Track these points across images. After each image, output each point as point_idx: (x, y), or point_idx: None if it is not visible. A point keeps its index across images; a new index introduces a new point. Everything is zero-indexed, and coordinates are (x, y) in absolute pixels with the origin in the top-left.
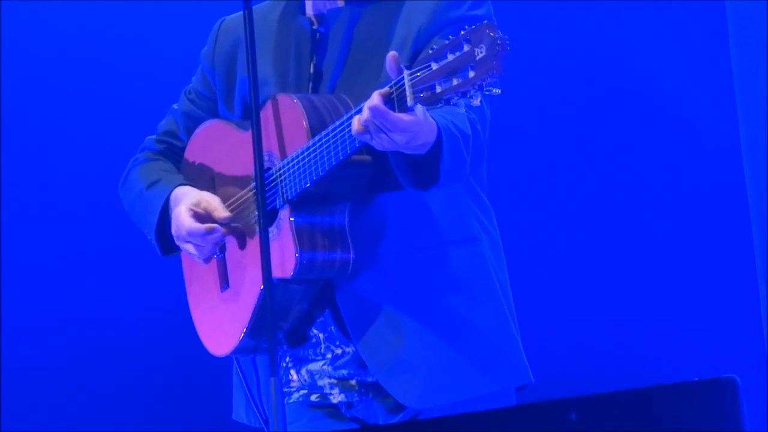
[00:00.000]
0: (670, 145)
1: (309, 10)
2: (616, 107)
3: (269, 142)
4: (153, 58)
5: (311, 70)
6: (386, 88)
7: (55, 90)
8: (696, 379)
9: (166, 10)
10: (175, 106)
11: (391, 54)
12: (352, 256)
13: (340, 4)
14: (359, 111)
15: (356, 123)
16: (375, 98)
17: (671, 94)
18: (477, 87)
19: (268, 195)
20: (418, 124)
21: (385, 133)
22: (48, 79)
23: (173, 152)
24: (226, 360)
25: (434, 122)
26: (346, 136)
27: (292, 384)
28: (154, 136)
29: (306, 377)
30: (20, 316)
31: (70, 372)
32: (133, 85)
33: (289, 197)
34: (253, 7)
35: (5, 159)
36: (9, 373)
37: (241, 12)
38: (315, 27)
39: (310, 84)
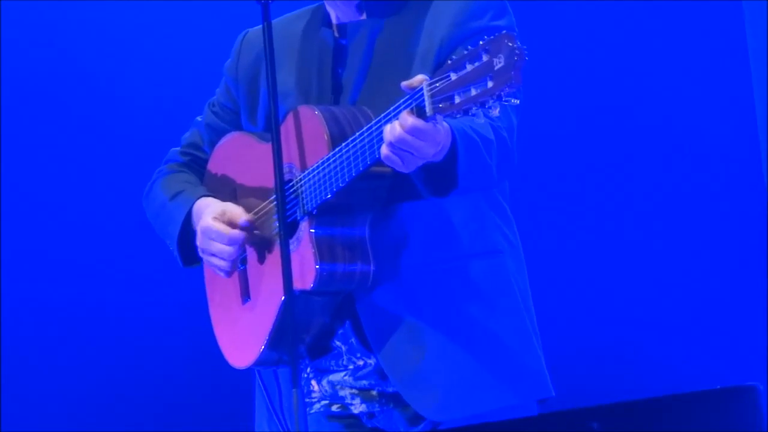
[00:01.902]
0: (689, 151)
1: (334, 20)
2: (634, 111)
3: (290, 153)
4: (150, 60)
5: (333, 82)
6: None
7: (55, 91)
8: (718, 387)
9: (173, 13)
10: (198, 118)
11: (419, 78)
12: (372, 268)
13: (362, 16)
14: (380, 121)
15: (385, 149)
16: (409, 119)
17: (689, 96)
18: (495, 97)
19: (288, 207)
20: (439, 132)
21: (413, 153)
22: (48, 80)
23: (197, 164)
24: (248, 372)
25: (448, 126)
26: (367, 147)
27: (313, 395)
28: (178, 148)
29: (327, 388)
30: (21, 317)
31: (71, 374)
32: (133, 86)
33: (310, 209)
34: (276, 19)
35: (5, 159)
36: (9, 373)
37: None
38: (337, 38)
39: (332, 96)
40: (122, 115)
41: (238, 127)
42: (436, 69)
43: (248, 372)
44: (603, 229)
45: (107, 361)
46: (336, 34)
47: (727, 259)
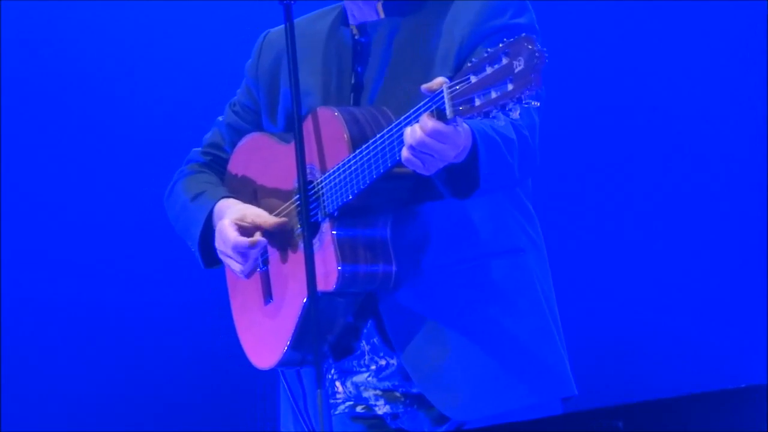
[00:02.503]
0: (696, 155)
1: (353, 19)
2: (652, 112)
3: (311, 154)
4: (172, 60)
5: (352, 81)
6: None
7: (56, 90)
8: (743, 385)
9: (196, 13)
10: (220, 118)
11: (439, 80)
12: (394, 268)
13: (381, 15)
14: (400, 123)
15: (405, 152)
16: (429, 122)
17: (708, 98)
18: (515, 100)
19: (310, 208)
20: (460, 135)
21: (433, 155)
22: (49, 79)
23: (218, 164)
24: (272, 372)
25: (468, 127)
26: (387, 150)
27: (337, 396)
28: (200, 148)
29: (351, 389)
30: (21, 317)
31: (72, 374)
32: (154, 87)
33: (331, 210)
34: (296, 19)
35: (6, 159)
36: (9, 373)
37: (285, 24)
38: (357, 37)
39: (352, 95)
40: (140, 116)
41: (259, 127)
42: (457, 68)
43: (272, 372)
44: (618, 231)
45: (110, 361)
46: (355, 33)
47: (732, 259)
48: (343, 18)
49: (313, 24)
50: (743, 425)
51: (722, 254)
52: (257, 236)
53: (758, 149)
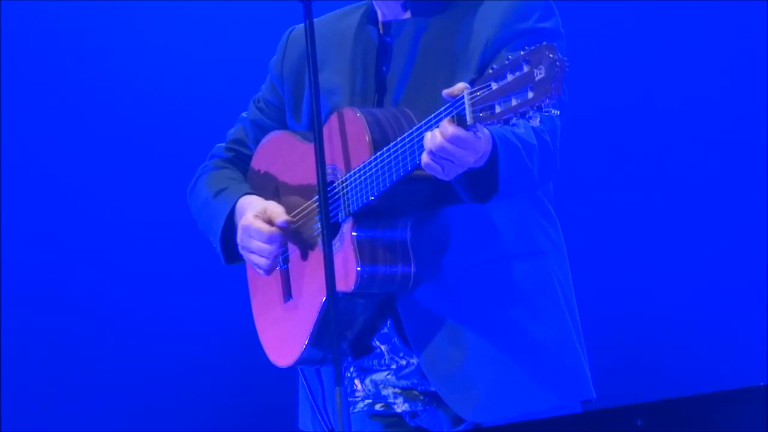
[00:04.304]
0: (696, 155)
1: (380, 17)
2: (657, 113)
3: (333, 154)
4: (197, 56)
5: (377, 81)
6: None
7: (56, 89)
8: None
9: (221, 11)
10: (244, 114)
11: (460, 86)
12: (413, 269)
13: (407, 15)
14: (420, 128)
15: (425, 157)
16: (449, 128)
17: (713, 98)
18: (535, 108)
19: (330, 208)
20: (480, 141)
21: (453, 161)
22: (51, 79)
23: (241, 160)
24: (291, 370)
25: (488, 133)
26: (408, 154)
27: (356, 394)
28: (223, 144)
29: (370, 387)
30: (22, 317)
31: (72, 374)
32: (159, 82)
33: (352, 211)
34: (323, 17)
35: (6, 159)
36: (9, 373)
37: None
38: (382, 36)
39: (376, 95)
40: (164, 113)
41: (283, 124)
42: (480, 70)
43: (291, 371)
44: (633, 234)
45: (115, 361)
46: (381, 32)
47: (732, 260)
48: (370, 16)
49: (339, 21)
50: (756, 426)
51: (723, 255)
52: (275, 228)
53: (758, 150)
